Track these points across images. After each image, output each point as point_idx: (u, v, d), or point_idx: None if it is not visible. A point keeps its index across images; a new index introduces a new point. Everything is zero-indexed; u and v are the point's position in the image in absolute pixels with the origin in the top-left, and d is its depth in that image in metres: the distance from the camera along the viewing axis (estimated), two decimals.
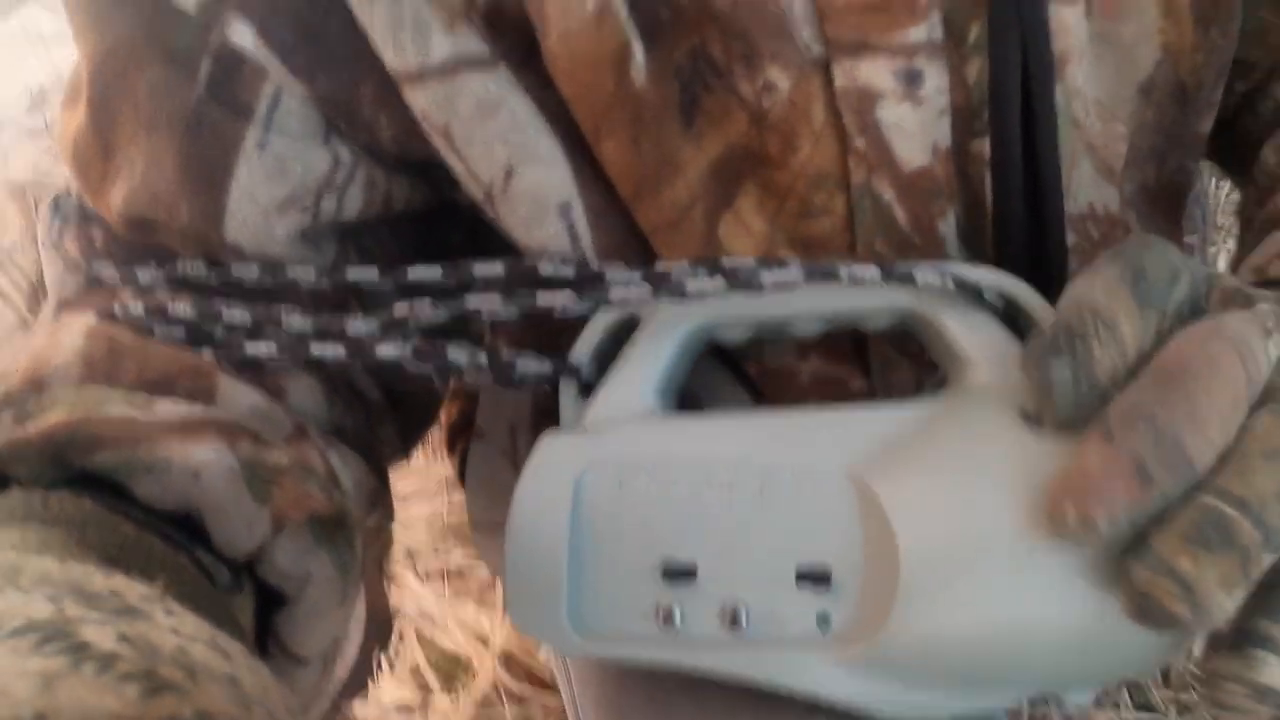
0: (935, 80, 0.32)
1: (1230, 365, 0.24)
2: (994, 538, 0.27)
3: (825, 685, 0.29)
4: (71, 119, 0.35)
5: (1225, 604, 0.23)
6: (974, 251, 0.34)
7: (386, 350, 0.33)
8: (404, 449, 0.41)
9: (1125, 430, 0.24)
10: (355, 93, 0.33)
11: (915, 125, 0.33)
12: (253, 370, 0.34)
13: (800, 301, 0.32)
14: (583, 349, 0.33)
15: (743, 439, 0.31)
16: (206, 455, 0.26)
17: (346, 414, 0.37)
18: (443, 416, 0.55)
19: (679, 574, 0.30)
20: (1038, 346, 0.26)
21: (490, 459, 0.47)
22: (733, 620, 0.30)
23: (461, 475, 0.54)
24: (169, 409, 0.28)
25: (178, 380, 0.30)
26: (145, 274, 0.34)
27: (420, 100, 0.33)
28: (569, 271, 0.33)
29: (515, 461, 0.46)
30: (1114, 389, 0.25)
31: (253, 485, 0.27)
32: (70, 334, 0.29)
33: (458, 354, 0.33)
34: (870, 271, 0.31)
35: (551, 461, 0.32)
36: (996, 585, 0.27)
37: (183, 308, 0.33)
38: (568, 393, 0.33)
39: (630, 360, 0.32)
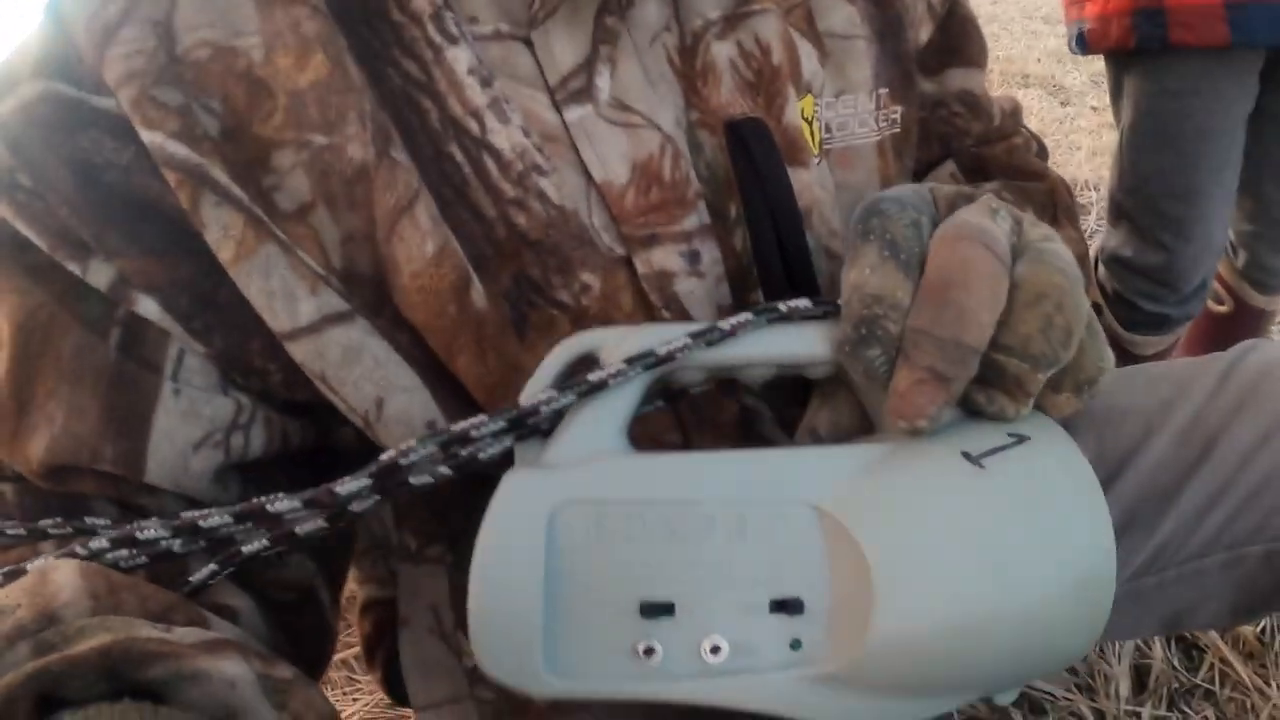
0: (710, 255, 0.40)
1: (979, 257, 0.31)
2: (955, 551, 0.31)
3: (800, 705, 0.30)
4: None
5: (1018, 413, 0.33)
6: None
7: (352, 489, 0.33)
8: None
9: (917, 351, 0.31)
10: (246, 348, 0.38)
11: (703, 292, 0.40)
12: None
13: (751, 347, 0.34)
14: (536, 387, 0.33)
15: (714, 479, 0.32)
16: (235, 668, 0.28)
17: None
18: (360, 633, 0.57)
19: (657, 611, 0.30)
20: (846, 340, 0.32)
21: (420, 641, 0.47)
22: (711, 652, 0.30)
23: (386, 683, 0.54)
24: (186, 632, 0.30)
25: (175, 610, 0.32)
26: (46, 556, 0.35)
27: (297, 353, 0.38)
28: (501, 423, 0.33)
29: (443, 636, 0.46)
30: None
31: (269, 695, 0.29)
32: (64, 573, 0.31)
33: (421, 477, 0.33)
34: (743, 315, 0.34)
35: (521, 499, 0.31)
36: (960, 590, 0.30)
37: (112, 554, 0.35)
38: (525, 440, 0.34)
39: (593, 399, 0.33)
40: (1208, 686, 0.89)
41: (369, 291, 0.38)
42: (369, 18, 0.37)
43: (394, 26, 0.38)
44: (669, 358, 0.33)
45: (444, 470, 0.33)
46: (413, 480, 0.33)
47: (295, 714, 0.29)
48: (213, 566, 0.35)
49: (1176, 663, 0.91)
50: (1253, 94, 1.06)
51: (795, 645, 0.30)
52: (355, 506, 0.33)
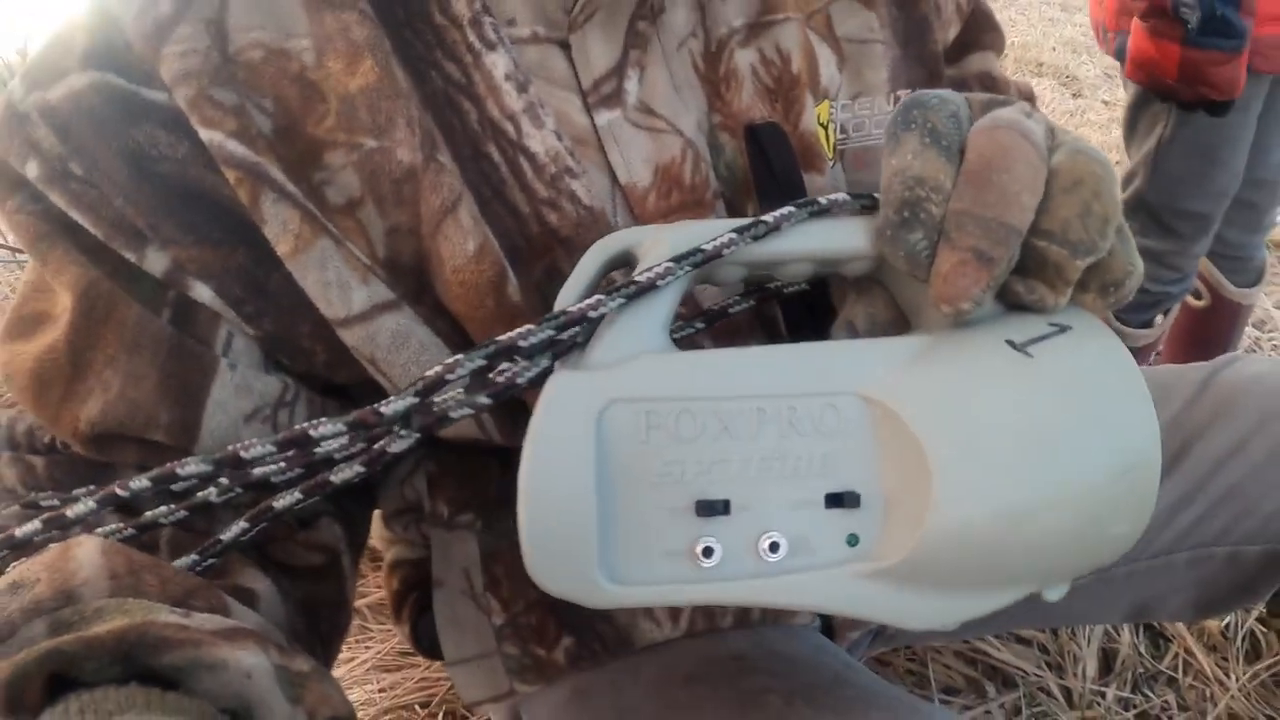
0: None
1: (1017, 142, 0.31)
2: (1008, 438, 0.30)
3: (859, 602, 0.30)
4: (26, 346, 0.38)
5: (1057, 303, 0.33)
6: None
7: (397, 408, 0.32)
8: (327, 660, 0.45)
9: (959, 233, 0.31)
10: (295, 330, 0.40)
11: (714, 290, 0.42)
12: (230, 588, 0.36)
13: (793, 241, 0.33)
14: (574, 290, 0.33)
15: (762, 373, 0.31)
16: (252, 658, 0.28)
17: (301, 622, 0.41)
18: (387, 589, 0.61)
19: (713, 510, 0.30)
20: (888, 225, 0.32)
21: (453, 601, 0.52)
22: (770, 549, 0.30)
23: (414, 637, 0.59)
24: (205, 619, 0.29)
25: (195, 595, 0.32)
26: (84, 501, 0.35)
27: (350, 338, 0.40)
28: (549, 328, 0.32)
29: (473, 597, 0.50)
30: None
31: (284, 687, 0.28)
32: (86, 550, 0.31)
33: (461, 410, 0.33)
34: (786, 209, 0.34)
35: (568, 399, 0.30)
36: (1015, 477, 0.30)
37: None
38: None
39: (636, 295, 0.32)
40: (1170, 673, 0.94)
41: (411, 280, 0.40)
42: (412, 20, 0.39)
43: (436, 29, 0.39)
44: (717, 254, 0.32)
45: (484, 400, 0.33)
46: (453, 415, 0.33)
47: (310, 708, 0.29)
48: (243, 524, 0.35)
49: (1143, 649, 0.96)
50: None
51: (852, 541, 0.30)
52: (395, 447, 0.33)
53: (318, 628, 0.43)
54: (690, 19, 0.44)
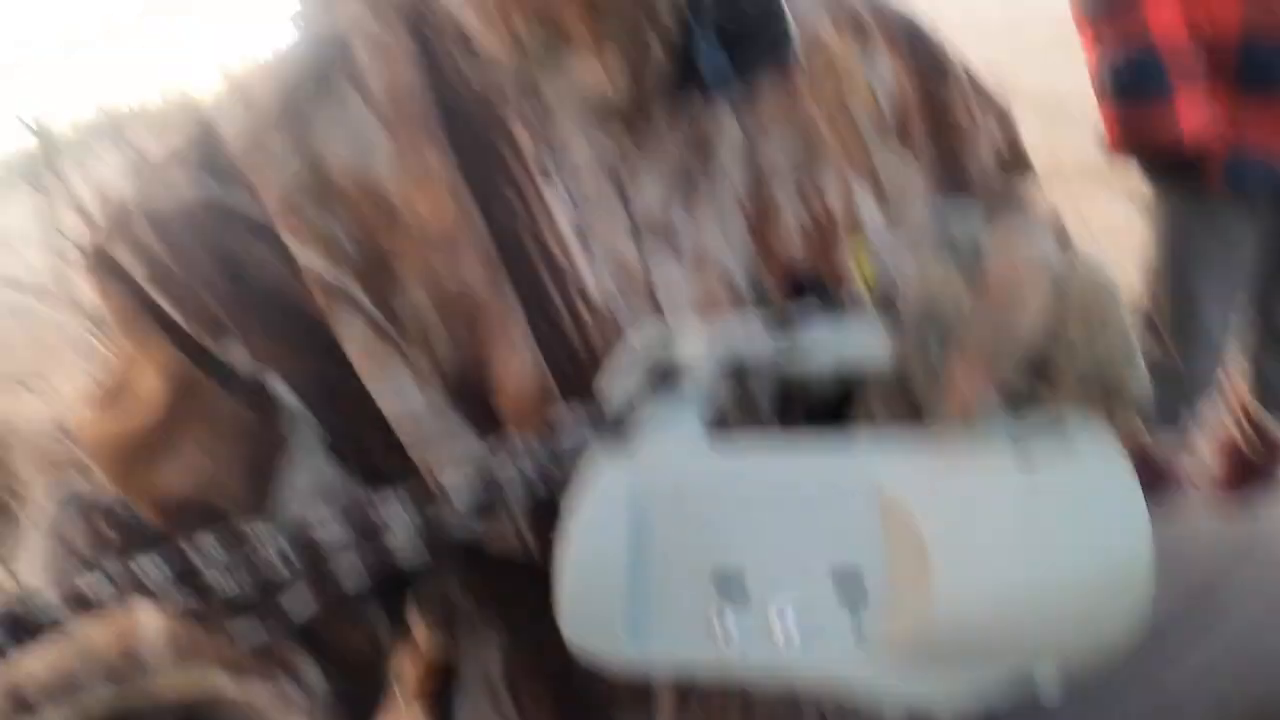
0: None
1: (1032, 267, 0.34)
2: (1006, 541, 0.34)
3: (854, 676, 0.33)
4: (111, 421, 0.42)
5: (1062, 408, 0.35)
6: None
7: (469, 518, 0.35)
8: None
9: (971, 345, 0.34)
10: (359, 430, 0.42)
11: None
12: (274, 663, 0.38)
13: (817, 356, 0.37)
14: (614, 387, 0.36)
15: (785, 460, 0.35)
16: None
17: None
18: (411, 675, 0.61)
19: (730, 586, 0.33)
20: (908, 335, 0.35)
21: (474, 699, 0.53)
22: (780, 625, 0.33)
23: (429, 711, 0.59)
24: (261, 688, 0.31)
25: (250, 670, 0.33)
26: (154, 570, 0.36)
27: (414, 454, 0.42)
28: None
29: (493, 698, 0.52)
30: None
31: None
32: (150, 615, 0.33)
33: (516, 485, 0.36)
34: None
35: (606, 483, 0.34)
36: (1013, 578, 0.33)
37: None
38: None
39: (674, 391, 0.36)
40: None
41: (475, 403, 0.42)
42: (482, 152, 0.42)
43: (500, 160, 0.42)
44: (753, 362, 0.36)
45: (543, 467, 0.36)
46: (509, 497, 0.36)
47: None
48: (308, 595, 0.36)
49: None
50: (1263, 231, 1.14)
51: (856, 620, 0.33)
52: (452, 518, 0.36)
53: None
54: (737, 158, 0.46)
